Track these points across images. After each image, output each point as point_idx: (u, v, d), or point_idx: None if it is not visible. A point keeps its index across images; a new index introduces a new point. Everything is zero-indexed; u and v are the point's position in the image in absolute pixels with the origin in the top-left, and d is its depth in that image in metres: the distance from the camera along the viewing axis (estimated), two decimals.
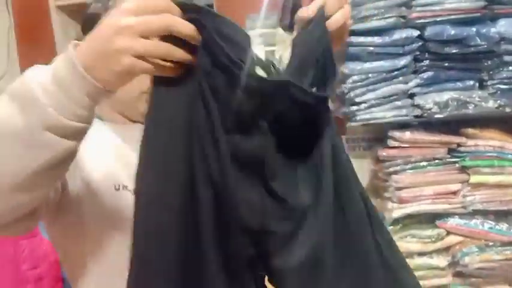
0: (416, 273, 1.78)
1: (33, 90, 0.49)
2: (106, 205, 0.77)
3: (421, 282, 1.70)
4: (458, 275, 1.68)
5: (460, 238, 1.65)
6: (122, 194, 0.78)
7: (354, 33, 1.62)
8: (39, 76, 0.50)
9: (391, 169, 1.68)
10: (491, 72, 1.63)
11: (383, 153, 1.71)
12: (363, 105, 1.66)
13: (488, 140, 1.63)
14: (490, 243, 1.62)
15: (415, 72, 1.65)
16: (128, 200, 0.76)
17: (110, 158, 0.81)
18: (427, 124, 1.69)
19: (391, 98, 1.66)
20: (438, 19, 1.58)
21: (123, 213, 0.77)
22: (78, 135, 0.52)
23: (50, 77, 0.50)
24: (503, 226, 1.60)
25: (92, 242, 0.78)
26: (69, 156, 0.53)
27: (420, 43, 1.61)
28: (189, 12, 0.50)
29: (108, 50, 0.49)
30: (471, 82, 1.64)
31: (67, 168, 0.57)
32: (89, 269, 0.78)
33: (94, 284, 0.79)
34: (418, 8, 1.59)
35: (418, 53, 1.63)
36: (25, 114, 0.49)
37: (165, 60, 0.51)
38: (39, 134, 0.49)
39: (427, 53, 1.62)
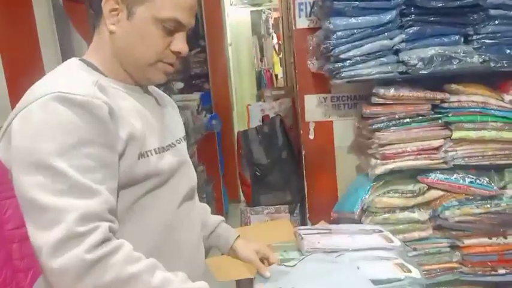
0: (398, 227, 1.83)
1: None
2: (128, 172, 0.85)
3: (403, 236, 1.76)
4: (438, 228, 1.72)
5: (441, 192, 1.68)
6: (141, 162, 0.86)
7: None
8: None
9: (375, 126, 1.68)
10: (476, 27, 1.61)
11: (367, 110, 1.71)
12: (347, 62, 1.64)
13: (471, 96, 1.64)
14: (470, 197, 1.65)
15: (401, 27, 1.62)
16: (147, 164, 0.87)
17: (138, 123, 0.88)
18: (411, 80, 1.69)
19: (376, 54, 1.64)
20: None
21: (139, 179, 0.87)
22: None
23: None
24: (484, 180, 1.63)
25: None
26: None
27: None
28: None
29: None
30: (456, 37, 1.62)
31: None
32: None
33: None
34: None
35: (404, 7, 1.60)
36: None
37: None
38: None
39: (413, 7, 1.59)
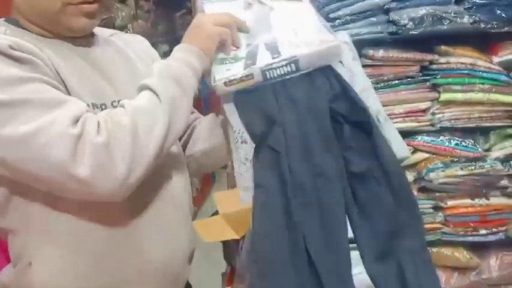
0: None
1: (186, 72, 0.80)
2: None
3: None
4: (422, 190, 1.74)
5: (427, 155, 1.69)
6: None
7: None
8: (183, 66, 0.80)
9: None
10: None
11: None
12: (337, 22, 1.60)
13: (460, 57, 1.62)
14: (455, 159, 1.67)
15: None
16: None
17: (73, 78, 0.79)
18: (401, 42, 1.66)
19: (366, 13, 1.60)
20: None
21: None
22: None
23: (185, 63, 0.80)
24: (469, 142, 1.64)
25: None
26: None
27: None
28: None
29: (210, 33, 0.81)
30: None
31: None
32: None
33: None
34: None
35: None
36: (184, 87, 0.79)
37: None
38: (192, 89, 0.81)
39: None
